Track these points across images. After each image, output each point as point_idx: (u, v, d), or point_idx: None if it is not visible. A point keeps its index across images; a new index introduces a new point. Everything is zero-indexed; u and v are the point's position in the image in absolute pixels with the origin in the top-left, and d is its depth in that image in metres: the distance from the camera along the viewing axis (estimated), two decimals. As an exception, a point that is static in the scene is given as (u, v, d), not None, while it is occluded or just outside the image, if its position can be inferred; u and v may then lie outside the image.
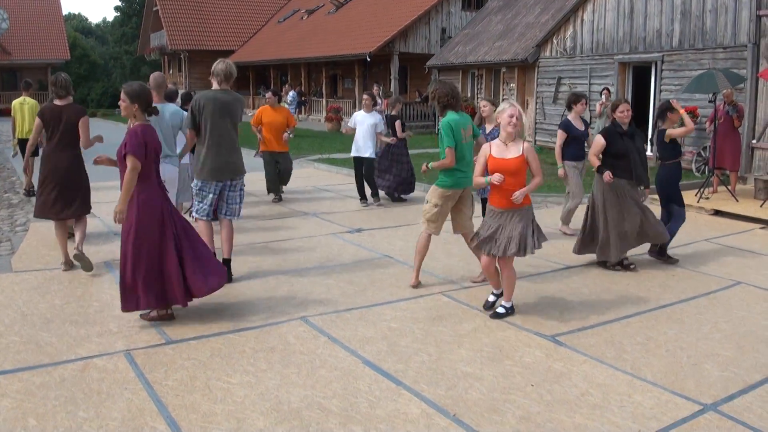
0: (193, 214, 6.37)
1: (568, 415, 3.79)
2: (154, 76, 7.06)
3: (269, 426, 3.65)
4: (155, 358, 4.53)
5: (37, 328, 5.05)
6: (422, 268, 6.23)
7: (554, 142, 8.97)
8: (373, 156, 10.38)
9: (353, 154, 10.44)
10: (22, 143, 10.95)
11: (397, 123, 10.68)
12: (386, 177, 10.71)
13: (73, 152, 6.67)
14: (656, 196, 7.48)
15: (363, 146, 10.28)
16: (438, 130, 5.84)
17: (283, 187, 11.09)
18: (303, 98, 31.55)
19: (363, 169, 10.40)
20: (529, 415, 3.79)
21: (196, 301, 5.66)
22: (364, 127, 10.29)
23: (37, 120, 6.68)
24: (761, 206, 9.65)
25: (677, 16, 13.82)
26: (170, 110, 6.91)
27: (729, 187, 10.69)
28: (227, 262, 6.25)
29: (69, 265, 6.65)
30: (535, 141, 18.12)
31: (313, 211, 9.89)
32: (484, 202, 8.03)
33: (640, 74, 15.68)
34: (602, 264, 6.90)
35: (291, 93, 24.84)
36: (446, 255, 7.29)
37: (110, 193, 10.05)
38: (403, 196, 10.94)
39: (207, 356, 4.56)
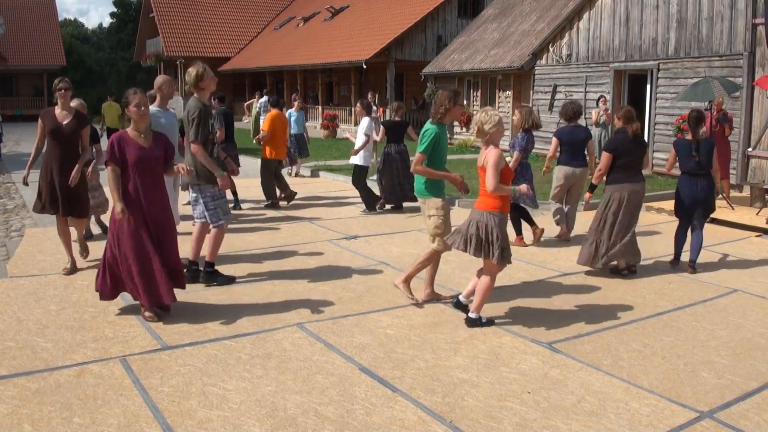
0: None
1: (565, 422, 3.78)
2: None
3: (265, 432, 3.64)
4: (151, 364, 4.52)
5: (33, 333, 5.03)
6: (418, 275, 6.09)
7: (549, 150, 8.95)
8: (359, 163, 10.34)
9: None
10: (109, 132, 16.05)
11: (410, 129, 10.53)
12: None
13: None
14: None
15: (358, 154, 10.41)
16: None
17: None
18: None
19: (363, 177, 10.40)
20: (525, 422, 3.78)
21: (192, 308, 5.66)
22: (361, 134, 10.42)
23: None
24: (757, 214, 9.68)
25: (673, 24, 13.88)
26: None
27: (724, 195, 10.72)
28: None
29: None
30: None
31: (309, 218, 9.89)
32: (517, 208, 8.02)
33: (636, 82, 15.74)
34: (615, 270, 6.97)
35: (262, 99, 19.94)
36: (443, 261, 7.26)
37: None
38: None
39: (203, 362, 4.55)
